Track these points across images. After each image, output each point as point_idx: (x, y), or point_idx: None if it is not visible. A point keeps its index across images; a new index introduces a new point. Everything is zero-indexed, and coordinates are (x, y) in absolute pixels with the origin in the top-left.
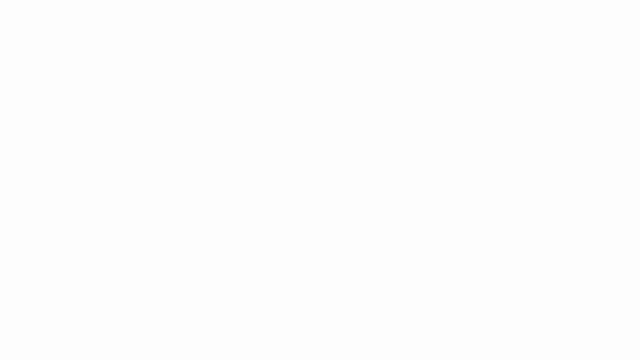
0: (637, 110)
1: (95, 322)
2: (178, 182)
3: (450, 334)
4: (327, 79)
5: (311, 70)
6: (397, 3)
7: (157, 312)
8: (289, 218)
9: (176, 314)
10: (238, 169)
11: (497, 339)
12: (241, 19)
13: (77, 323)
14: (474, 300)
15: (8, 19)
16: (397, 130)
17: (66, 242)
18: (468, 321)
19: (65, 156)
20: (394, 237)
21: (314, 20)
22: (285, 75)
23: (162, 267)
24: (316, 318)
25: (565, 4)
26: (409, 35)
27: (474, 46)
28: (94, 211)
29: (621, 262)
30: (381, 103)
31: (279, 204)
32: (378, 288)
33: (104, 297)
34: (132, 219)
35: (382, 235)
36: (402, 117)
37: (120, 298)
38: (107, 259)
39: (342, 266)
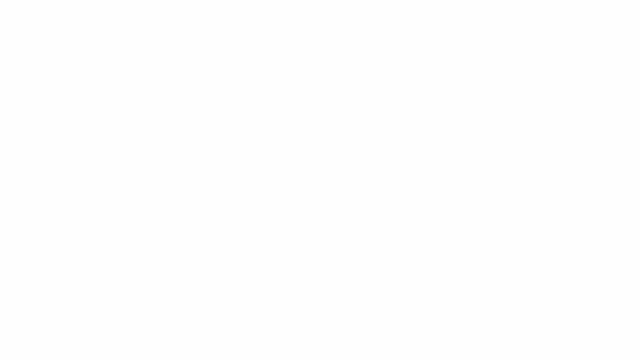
0: (638, 110)
1: (95, 322)
2: (178, 181)
3: (449, 334)
4: (327, 79)
5: (311, 70)
6: (397, 3)
7: (156, 312)
8: (289, 218)
9: (176, 314)
10: (238, 169)
11: (497, 338)
12: (241, 19)
13: (77, 323)
14: (473, 300)
15: (8, 19)
16: (397, 130)
17: (66, 242)
18: (467, 321)
19: (65, 156)
20: (394, 236)
21: (314, 20)
22: (286, 75)
23: (162, 267)
24: (315, 318)
25: (565, 4)
26: (409, 35)
27: (474, 46)
28: (94, 211)
29: (621, 261)
30: (381, 103)
31: (278, 203)
32: (377, 288)
33: (103, 297)
34: (132, 219)
35: (381, 235)
36: (402, 117)
37: (119, 298)
38: (106, 258)
39: (341, 266)
